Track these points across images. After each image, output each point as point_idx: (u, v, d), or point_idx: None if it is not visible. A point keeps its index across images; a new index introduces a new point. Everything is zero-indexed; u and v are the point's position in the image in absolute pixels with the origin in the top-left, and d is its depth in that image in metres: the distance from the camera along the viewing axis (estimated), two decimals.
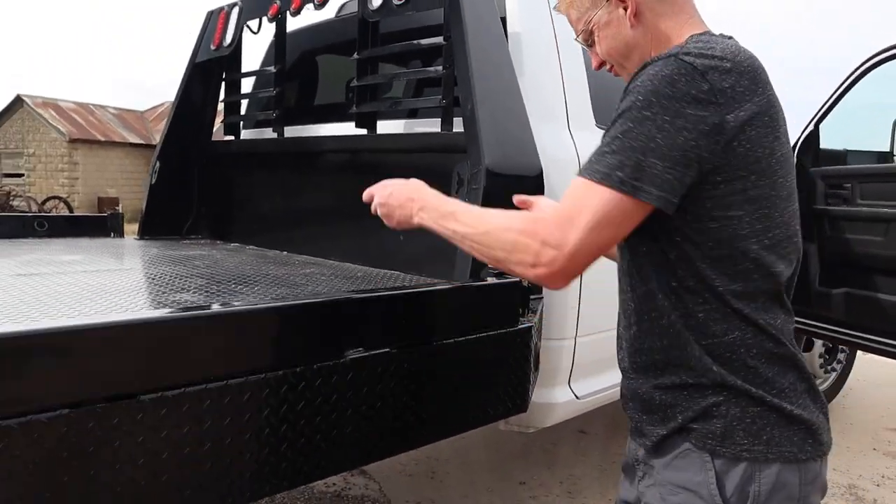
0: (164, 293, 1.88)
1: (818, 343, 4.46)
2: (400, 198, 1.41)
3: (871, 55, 3.39)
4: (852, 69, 3.47)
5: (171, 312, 1.29)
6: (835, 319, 3.42)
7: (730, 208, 1.14)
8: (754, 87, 1.12)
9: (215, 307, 1.36)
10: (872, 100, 3.60)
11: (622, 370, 1.36)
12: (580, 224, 1.10)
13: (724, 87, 1.09)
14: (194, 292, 1.87)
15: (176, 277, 2.12)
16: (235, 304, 1.57)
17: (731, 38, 1.23)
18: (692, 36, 1.22)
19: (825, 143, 3.63)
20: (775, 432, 1.15)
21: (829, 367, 4.61)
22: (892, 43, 3.39)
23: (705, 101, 1.08)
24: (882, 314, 3.18)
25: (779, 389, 1.17)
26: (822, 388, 4.60)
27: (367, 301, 1.48)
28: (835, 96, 3.52)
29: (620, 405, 1.41)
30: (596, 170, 1.11)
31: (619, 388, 2.70)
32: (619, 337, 1.36)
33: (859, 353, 4.46)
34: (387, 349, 1.46)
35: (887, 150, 3.68)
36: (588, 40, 1.34)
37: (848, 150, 3.86)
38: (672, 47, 1.18)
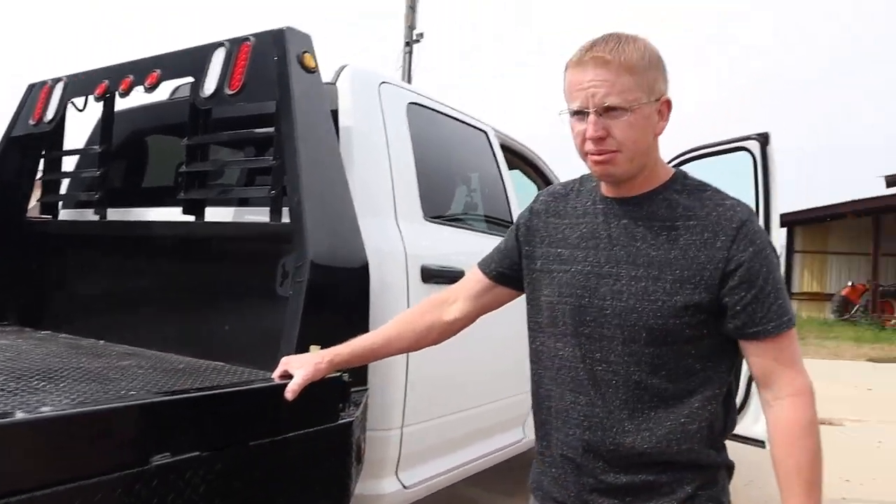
0: None
1: None
2: None
3: (672, 158, 3.76)
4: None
5: None
6: None
7: None
8: None
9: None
10: None
11: (600, 466, 1.47)
12: (801, 362, 1.45)
13: None
14: None
15: None
16: (18, 413, 1.46)
17: None
18: (685, 175, 1.51)
19: None
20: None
21: None
22: (690, 147, 3.79)
23: None
24: None
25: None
26: None
27: (174, 403, 1.43)
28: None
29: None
30: (790, 318, 1.41)
31: (449, 475, 2.74)
32: (592, 439, 1.47)
33: None
34: (196, 453, 1.41)
35: None
36: (608, 109, 1.36)
37: None
38: (731, 196, 1.46)
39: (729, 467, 1.51)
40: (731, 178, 3.61)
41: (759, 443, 3.60)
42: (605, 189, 1.51)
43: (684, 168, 3.27)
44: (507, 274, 1.67)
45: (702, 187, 1.47)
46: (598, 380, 1.45)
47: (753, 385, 3.58)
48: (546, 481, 1.57)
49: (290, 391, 1.58)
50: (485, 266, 1.71)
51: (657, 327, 1.39)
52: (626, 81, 1.35)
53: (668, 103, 1.43)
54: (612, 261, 1.45)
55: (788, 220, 21.56)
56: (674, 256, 1.39)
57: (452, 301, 1.73)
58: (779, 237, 3.76)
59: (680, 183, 1.47)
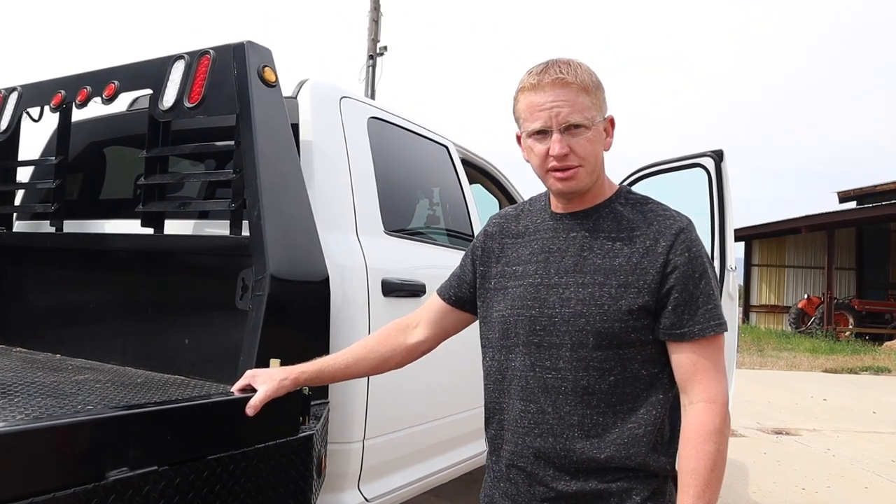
0: None
1: None
2: None
3: (631, 173, 3.85)
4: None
5: None
6: None
7: None
8: None
9: None
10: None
11: (550, 473, 1.50)
12: (723, 371, 1.47)
13: None
14: None
15: None
16: None
17: None
18: (630, 189, 1.60)
19: None
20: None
21: None
22: (649, 163, 3.87)
23: None
24: None
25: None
26: None
27: (132, 418, 1.42)
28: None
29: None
30: (720, 324, 1.46)
31: (411, 487, 2.74)
32: (543, 446, 1.50)
33: None
34: (154, 468, 1.40)
35: None
36: (569, 127, 1.45)
37: None
38: (671, 208, 1.54)
39: (675, 478, 1.52)
40: (686, 193, 3.70)
41: None
42: (554, 206, 1.60)
43: (641, 183, 3.40)
44: (464, 298, 1.73)
45: (644, 201, 1.56)
46: (548, 387, 1.49)
47: None
48: (497, 495, 1.61)
49: (252, 406, 1.59)
50: (444, 292, 1.77)
51: (604, 331, 1.45)
52: (584, 101, 1.46)
53: (613, 121, 1.55)
54: (560, 271, 1.52)
55: (747, 235, 22.02)
56: (618, 264, 1.47)
57: (415, 326, 1.78)
58: (733, 250, 3.86)
59: (624, 197, 1.57)
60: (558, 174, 1.48)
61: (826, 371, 12.61)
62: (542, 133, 1.47)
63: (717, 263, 3.85)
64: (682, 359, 1.46)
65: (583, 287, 1.48)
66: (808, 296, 21.03)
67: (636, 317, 1.45)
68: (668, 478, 1.51)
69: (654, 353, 1.49)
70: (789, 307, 21.76)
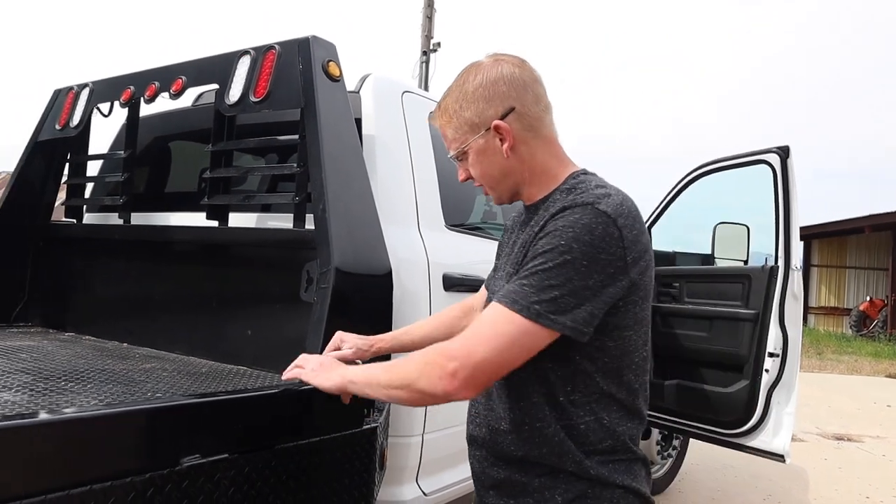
0: None
1: (655, 431, 4.72)
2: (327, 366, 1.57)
3: (693, 169, 3.77)
4: (678, 180, 3.84)
5: None
6: (667, 409, 3.64)
7: (626, 328, 1.34)
8: (642, 227, 1.32)
9: (41, 414, 1.28)
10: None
11: (488, 459, 1.48)
12: (489, 342, 1.26)
13: (630, 235, 1.28)
14: (17, 391, 1.75)
15: None
16: (56, 411, 1.48)
17: (597, 176, 1.44)
18: (578, 175, 1.42)
19: (655, 244, 3.95)
20: None
21: (665, 454, 4.86)
22: (711, 159, 3.80)
23: (616, 246, 1.26)
24: (707, 404, 3.43)
25: (634, 475, 1.38)
26: (659, 473, 4.84)
27: (205, 405, 1.44)
28: (664, 203, 3.87)
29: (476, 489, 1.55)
30: (514, 300, 1.26)
31: (468, 483, 2.74)
32: (479, 434, 1.50)
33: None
34: (225, 455, 1.42)
35: (709, 252, 4.05)
36: (460, 157, 1.47)
37: (676, 252, 4.22)
38: (578, 191, 1.35)
39: (627, 487, 1.38)
40: (750, 191, 3.61)
41: (778, 457, 3.57)
42: None
43: (702, 179, 3.24)
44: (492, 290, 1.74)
45: (577, 185, 1.40)
46: None
47: (773, 397, 3.58)
48: None
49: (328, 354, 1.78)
50: (486, 281, 1.82)
51: None
52: (449, 132, 1.48)
53: (498, 127, 1.40)
54: (501, 268, 1.56)
55: (806, 234, 21.43)
56: (520, 258, 1.38)
57: (475, 309, 1.83)
58: (798, 250, 3.74)
59: (568, 182, 1.43)
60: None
61: (889, 376, 12.20)
62: None
63: (781, 263, 3.75)
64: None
65: (501, 282, 1.48)
66: (871, 298, 20.38)
67: None
68: (608, 485, 1.35)
69: (546, 350, 1.30)
70: (850, 309, 21.13)
